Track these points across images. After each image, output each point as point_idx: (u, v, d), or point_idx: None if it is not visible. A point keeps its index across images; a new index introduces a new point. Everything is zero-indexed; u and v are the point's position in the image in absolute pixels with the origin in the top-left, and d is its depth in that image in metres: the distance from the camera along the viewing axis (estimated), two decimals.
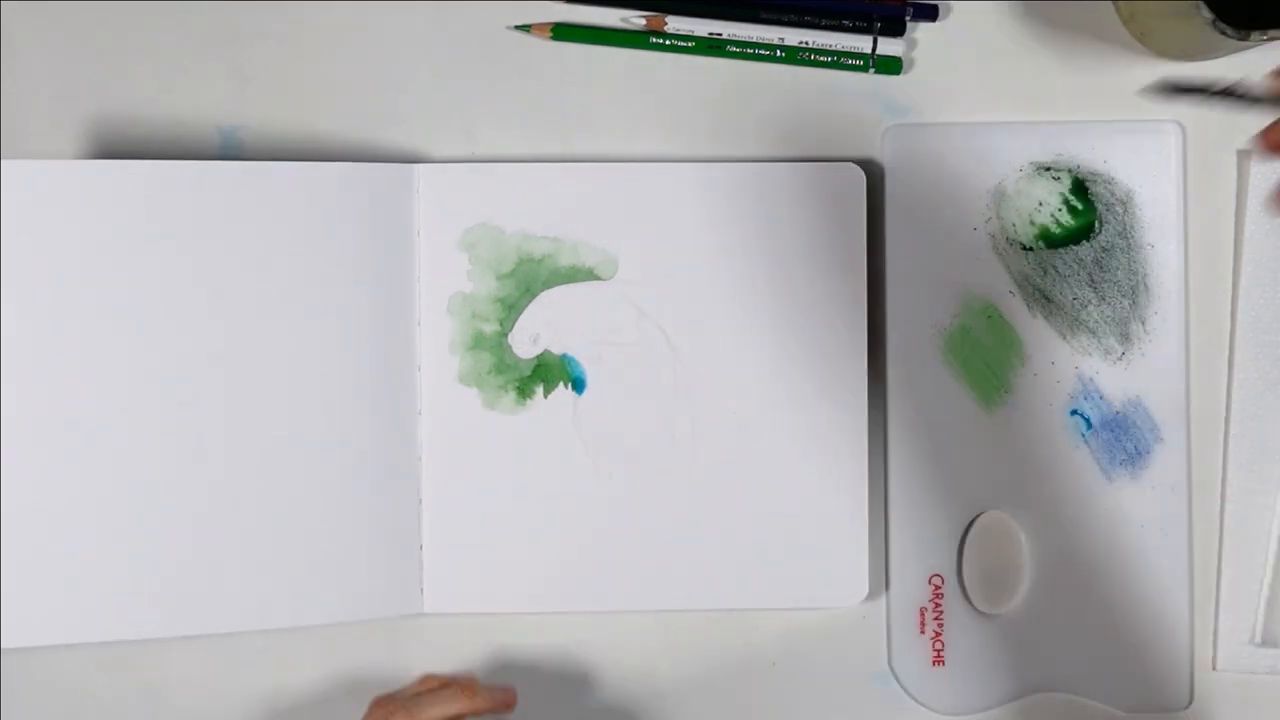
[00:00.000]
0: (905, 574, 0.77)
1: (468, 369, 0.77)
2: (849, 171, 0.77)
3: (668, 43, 0.78)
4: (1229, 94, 0.65)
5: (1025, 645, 0.78)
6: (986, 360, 0.78)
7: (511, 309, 0.77)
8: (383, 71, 0.79)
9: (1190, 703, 0.78)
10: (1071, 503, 0.78)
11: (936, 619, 0.77)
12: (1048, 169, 0.78)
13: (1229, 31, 0.69)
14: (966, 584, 0.78)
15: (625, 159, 0.78)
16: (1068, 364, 0.78)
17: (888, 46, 0.79)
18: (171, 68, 0.79)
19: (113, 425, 0.75)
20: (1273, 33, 0.69)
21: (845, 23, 0.78)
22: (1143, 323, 0.78)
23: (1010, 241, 0.78)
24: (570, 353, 0.77)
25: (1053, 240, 0.78)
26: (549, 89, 0.79)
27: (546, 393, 0.77)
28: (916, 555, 0.77)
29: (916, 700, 0.78)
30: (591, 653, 0.78)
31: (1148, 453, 0.78)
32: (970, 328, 0.78)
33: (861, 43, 0.78)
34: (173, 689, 0.78)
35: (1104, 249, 0.78)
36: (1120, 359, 0.78)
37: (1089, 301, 0.78)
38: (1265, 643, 0.78)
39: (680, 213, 0.77)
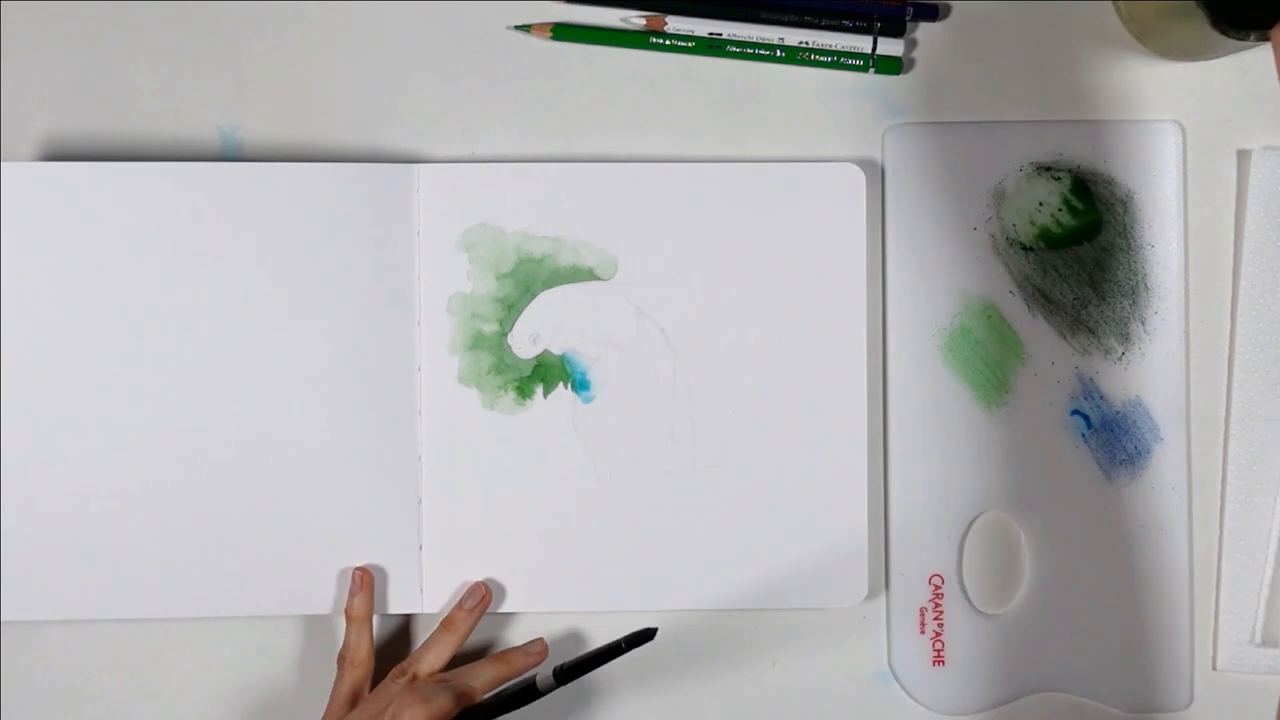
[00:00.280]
0: (905, 574, 0.77)
1: (467, 369, 0.77)
2: (849, 171, 0.77)
3: (668, 43, 0.78)
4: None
5: (1025, 645, 0.78)
6: (986, 360, 0.78)
7: (511, 309, 0.77)
8: (383, 71, 0.79)
9: (1190, 703, 0.78)
10: (1071, 503, 0.78)
11: (936, 619, 0.77)
12: (1048, 169, 0.78)
13: (1229, 31, 0.69)
14: (966, 584, 0.78)
15: (625, 159, 0.78)
16: (1068, 364, 0.78)
17: (888, 46, 0.79)
18: (171, 68, 0.79)
19: (112, 426, 0.75)
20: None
21: (845, 23, 0.78)
22: (1143, 323, 0.78)
23: (1010, 241, 0.78)
24: (570, 353, 0.77)
25: (1053, 240, 0.78)
26: (549, 89, 0.79)
27: (546, 393, 0.77)
28: (916, 555, 0.77)
29: (916, 700, 0.78)
30: None
31: (1148, 453, 0.78)
32: (970, 328, 0.78)
33: (861, 43, 0.78)
34: (172, 686, 0.78)
35: (1104, 249, 0.78)
36: (1120, 359, 0.78)
37: (1089, 301, 0.78)
38: (1265, 643, 0.78)
39: (680, 213, 0.77)
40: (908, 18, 0.78)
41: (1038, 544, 0.78)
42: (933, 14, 0.79)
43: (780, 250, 0.77)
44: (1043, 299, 0.78)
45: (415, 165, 0.77)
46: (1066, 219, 0.78)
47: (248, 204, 0.76)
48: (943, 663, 0.77)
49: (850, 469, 0.77)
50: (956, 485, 0.78)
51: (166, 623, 0.78)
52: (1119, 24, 0.79)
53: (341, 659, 0.75)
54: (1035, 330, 0.78)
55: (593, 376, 0.77)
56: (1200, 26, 0.70)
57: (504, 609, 0.77)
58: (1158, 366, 0.78)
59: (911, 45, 0.79)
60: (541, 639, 0.76)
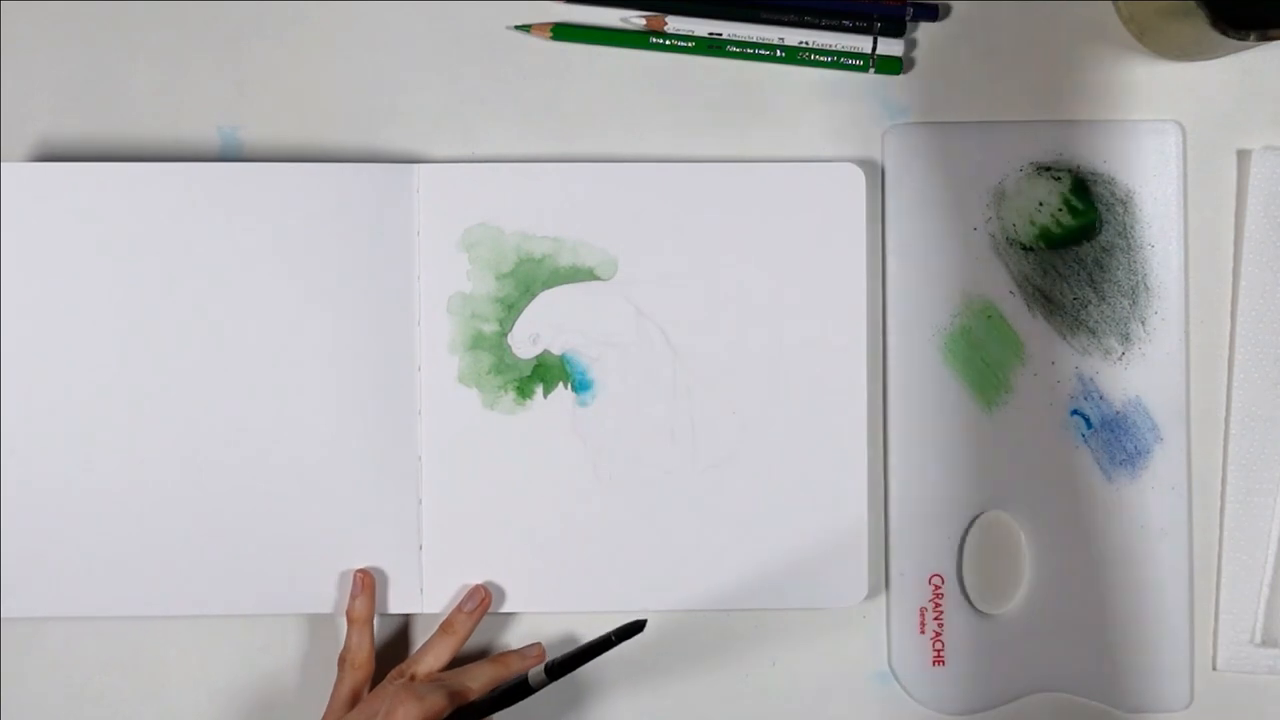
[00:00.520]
0: (905, 574, 0.77)
1: (467, 369, 0.77)
2: (849, 171, 0.77)
3: (668, 43, 0.78)
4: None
5: (1025, 645, 0.78)
6: (986, 360, 0.78)
7: (511, 309, 0.77)
8: (383, 71, 0.79)
9: (1190, 703, 0.78)
10: (1071, 503, 0.78)
11: (936, 619, 0.77)
12: (1048, 169, 0.78)
13: (1229, 31, 0.69)
14: (966, 584, 0.78)
15: (625, 159, 0.78)
16: (1068, 364, 0.78)
17: (888, 46, 0.79)
18: (171, 68, 0.79)
19: (111, 424, 0.75)
20: (1273, 33, 0.69)
21: (845, 23, 0.78)
22: (1143, 323, 0.78)
23: (1010, 241, 0.78)
24: (570, 353, 0.77)
25: (1053, 240, 0.78)
26: (549, 89, 0.79)
27: (546, 393, 0.77)
28: (916, 555, 0.77)
29: (916, 700, 0.78)
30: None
31: (1148, 453, 0.78)
32: (970, 328, 0.78)
33: (861, 43, 0.78)
34: (172, 685, 0.78)
35: (1104, 249, 0.78)
36: (1120, 359, 0.78)
37: (1089, 301, 0.78)
38: (1265, 643, 0.78)
39: (680, 213, 0.77)
40: (908, 18, 0.78)
41: (1038, 544, 0.78)
42: (933, 14, 0.79)
43: (780, 250, 0.77)
44: (1043, 299, 0.78)
45: (415, 165, 0.77)
46: (1066, 219, 0.78)
47: (248, 204, 0.76)
48: (943, 663, 0.77)
49: (850, 469, 0.77)
50: (956, 485, 0.78)
51: (167, 622, 0.78)
52: (1119, 24, 0.79)
53: (342, 660, 0.75)
54: (1035, 330, 0.78)
55: (593, 376, 0.77)
56: (1200, 26, 0.70)
57: (503, 609, 0.77)
58: (1158, 366, 0.78)
59: (911, 45, 0.79)
60: (539, 643, 0.77)
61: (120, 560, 0.76)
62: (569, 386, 0.77)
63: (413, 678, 0.74)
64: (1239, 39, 0.70)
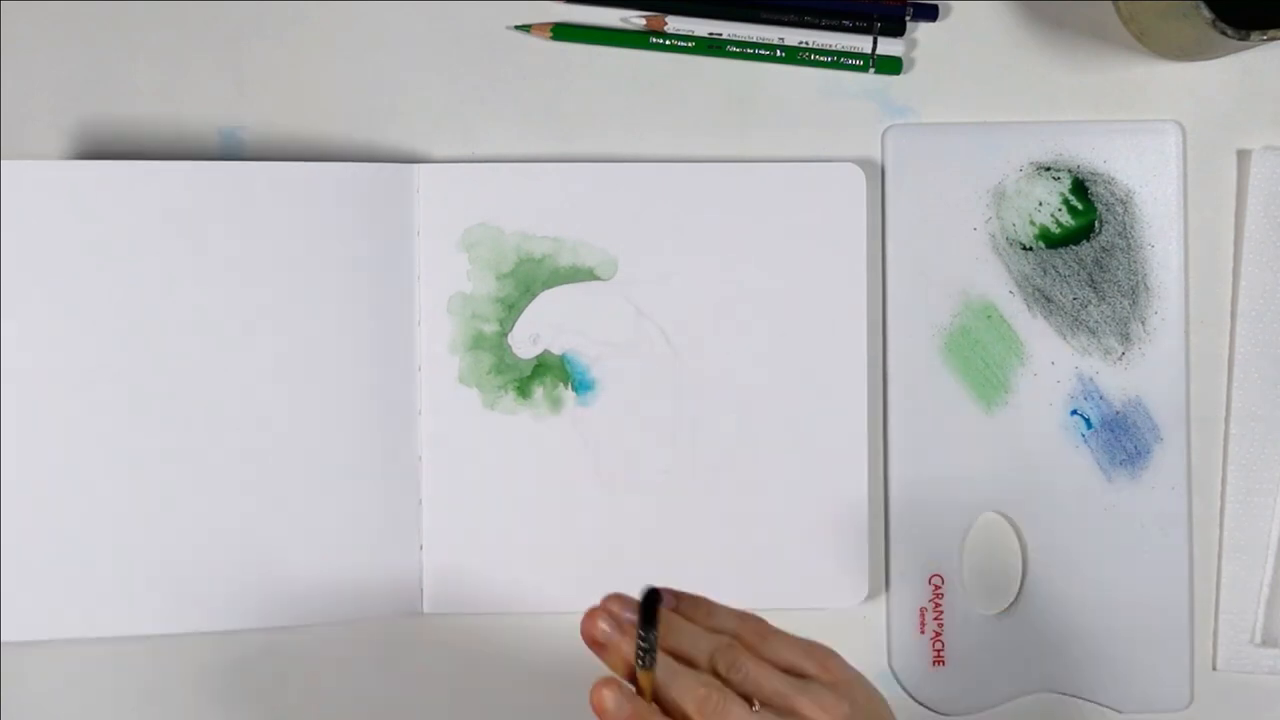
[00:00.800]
0: (905, 574, 0.77)
1: (468, 369, 0.77)
2: (849, 171, 0.77)
3: (668, 43, 0.78)
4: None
5: (1025, 645, 0.78)
6: (986, 360, 0.78)
7: (511, 309, 0.77)
8: (383, 71, 0.79)
9: (1190, 703, 0.78)
10: (1071, 503, 0.78)
11: (936, 619, 0.77)
12: (1048, 169, 0.78)
13: (1229, 31, 0.69)
14: (966, 584, 0.78)
15: (625, 159, 0.78)
16: (1068, 364, 0.78)
17: (888, 46, 0.79)
18: (171, 68, 0.79)
19: (111, 425, 0.75)
20: (1273, 33, 0.69)
21: (845, 23, 0.78)
22: (1143, 323, 0.78)
23: (1010, 241, 0.78)
24: (570, 353, 0.77)
25: (1053, 240, 0.78)
26: (549, 89, 0.79)
27: (547, 393, 0.77)
28: (916, 555, 0.77)
29: (916, 700, 0.78)
30: (592, 653, 0.78)
31: (1148, 453, 0.78)
32: (970, 328, 0.78)
33: (861, 43, 0.78)
34: (172, 689, 0.78)
35: (1104, 249, 0.78)
36: (1120, 359, 0.78)
37: (1089, 301, 0.78)
38: (1265, 643, 0.78)
39: (680, 213, 0.77)
40: (908, 18, 0.78)
41: (1038, 544, 0.78)
42: (933, 14, 0.79)
43: (780, 250, 0.77)
44: (1043, 299, 0.78)
45: (415, 165, 0.77)
46: (1066, 219, 0.78)
47: (248, 204, 0.76)
48: (943, 663, 0.77)
49: (850, 469, 0.77)
50: (956, 485, 0.78)
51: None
52: (1119, 24, 0.79)
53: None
54: (1035, 330, 0.78)
55: (593, 376, 0.77)
56: (1200, 26, 0.70)
57: (504, 609, 0.77)
58: (1158, 366, 0.78)
59: (911, 45, 0.79)
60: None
61: (117, 574, 0.74)
62: (569, 386, 0.77)
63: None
64: (1239, 39, 0.70)
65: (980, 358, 0.78)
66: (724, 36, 0.78)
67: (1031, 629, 0.77)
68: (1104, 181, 0.78)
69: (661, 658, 0.60)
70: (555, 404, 0.77)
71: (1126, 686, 0.77)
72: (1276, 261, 0.78)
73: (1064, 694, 0.78)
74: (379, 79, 0.79)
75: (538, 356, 0.77)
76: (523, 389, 0.77)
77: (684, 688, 0.59)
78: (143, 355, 0.76)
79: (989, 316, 0.78)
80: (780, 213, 0.77)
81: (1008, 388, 0.78)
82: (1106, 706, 0.78)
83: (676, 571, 0.77)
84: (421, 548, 0.77)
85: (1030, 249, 0.78)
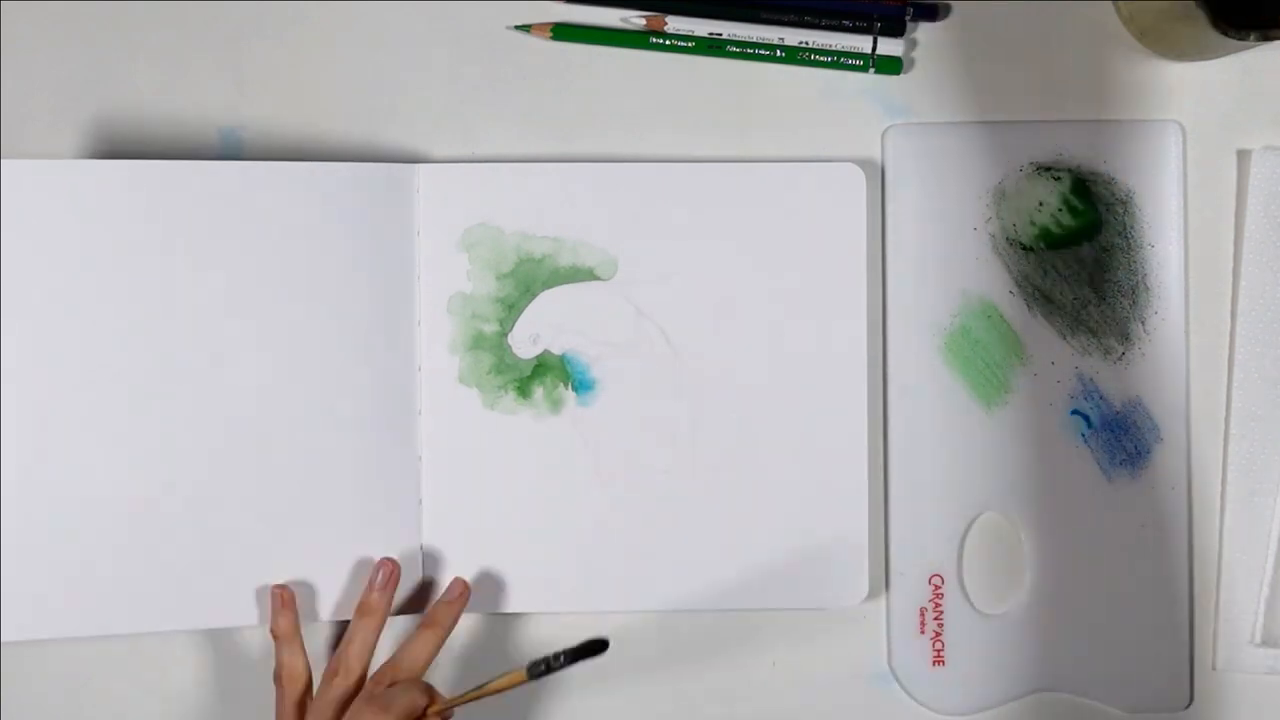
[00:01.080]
0: (905, 574, 0.77)
1: (468, 369, 0.77)
2: (849, 171, 0.77)
3: (668, 43, 0.78)
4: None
5: (1025, 645, 0.78)
6: (986, 360, 0.78)
7: (511, 309, 0.77)
8: (383, 71, 0.79)
9: (1190, 703, 0.78)
10: (1071, 503, 0.78)
11: (936, 619, 0.77)
12: (1048, 169, 0.78)
13: (1229, 31, 0.69)
14: (966, 584, 0.78)
15: (625, 159, 0.78)
16: (1068, 364, 0.78)
17: (888, 46, 0.79)
18: (171, 68, 0.79)
19: (111, 425, 0.75)
20: (1272, 33, 0.69)
21: (845, 23, 0.78)
22: (1143, 323, 0.78)
23: (1010, 241, 0.78)
24: (570, 353, 0.77)
25: (1053, 240, 0.78)
26: (549, 89, 0.79)
27: (547, 393, 0.77)
28: (916, 555, 0.77)
29: (916, 700, 0.78)
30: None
31: (1148, 453, 0.78)
32: (970, 328, 0.78)
33: (861, 43, 0.78)
34: (174, 687, 0.78)
35: (1104, 249, 0.78)
36: (1120, 359, 0.78)
37: (1089, 301, 0.78)
38: (1265, 643, 0.78)
39: (680, 213, 0.77)
40: (908, 18, 0.78)
41: (1038, 544, 0.78)
42: (933, 14, 0.79)
43: (780, 250, 0.77)
44: (1043, 299, 0.78)
45: (415, 165, 0.77)
46: (1066, 219, 0.78)
47: (248, 204, 0.76)
48: (943, 663, 0.77)
49: (850, 469, 0.77)
50: (956, 485, 0.78)
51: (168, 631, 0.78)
52: (1119, 24, 0.79)
53: (277, 677, 0.74)
54: (1035, 330, 0.78)
55: (593, 376, 0.77)
56: (1200, 26, 0.70)
57: (504, 609, 0.77)
58: (1158, 366, 0.78)
59: (911, 45, 0.79)
60: (458, 579, 0.76)
61: (117, 571, 0.74)
62: (569, 386, 0.77)
63: (395, 680, 0.72)
64: (1239, 39, 0.70)
65: (980, 357, 0.78)
66: (724, 36, 0.78)
67: (1031, 629, 0.77)
68: (1104, 181, 0.78)
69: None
70: (555, 404, 0.77)
71: (1126, 686, 0.77)
72: (1276, 261, 0.78)
73: (1064, 694, 0.78)
74: (379, 79, 0.79)
75: (538, 356, 0.77)
76: (523, 389, 0.77)
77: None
78: (142, 355, 0.75)
79: (989, 316, 0.78)
80: (780, 213, 0.77)
81: (1008, 387, 0.78)
82: (1107, 706, 0.78)
83: (676, 571, 0.77)
84: (421, 548, 0.77)
85: (1030, 249, 0.78)
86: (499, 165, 0.77)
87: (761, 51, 0.78)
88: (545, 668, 0.67)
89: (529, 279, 0.77)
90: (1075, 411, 0.78)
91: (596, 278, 0.77)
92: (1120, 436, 0.77)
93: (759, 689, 0.78)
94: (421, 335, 0.77)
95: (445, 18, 0.79)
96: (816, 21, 0.78)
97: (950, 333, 0.78)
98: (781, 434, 0.77)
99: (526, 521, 0.77)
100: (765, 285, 0.77)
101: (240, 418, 0.76)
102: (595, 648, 0.67)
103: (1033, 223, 0.78)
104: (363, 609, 0.74)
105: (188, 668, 0.78)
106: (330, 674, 0.73)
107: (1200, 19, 0.69)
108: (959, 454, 0.77)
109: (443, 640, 0.74)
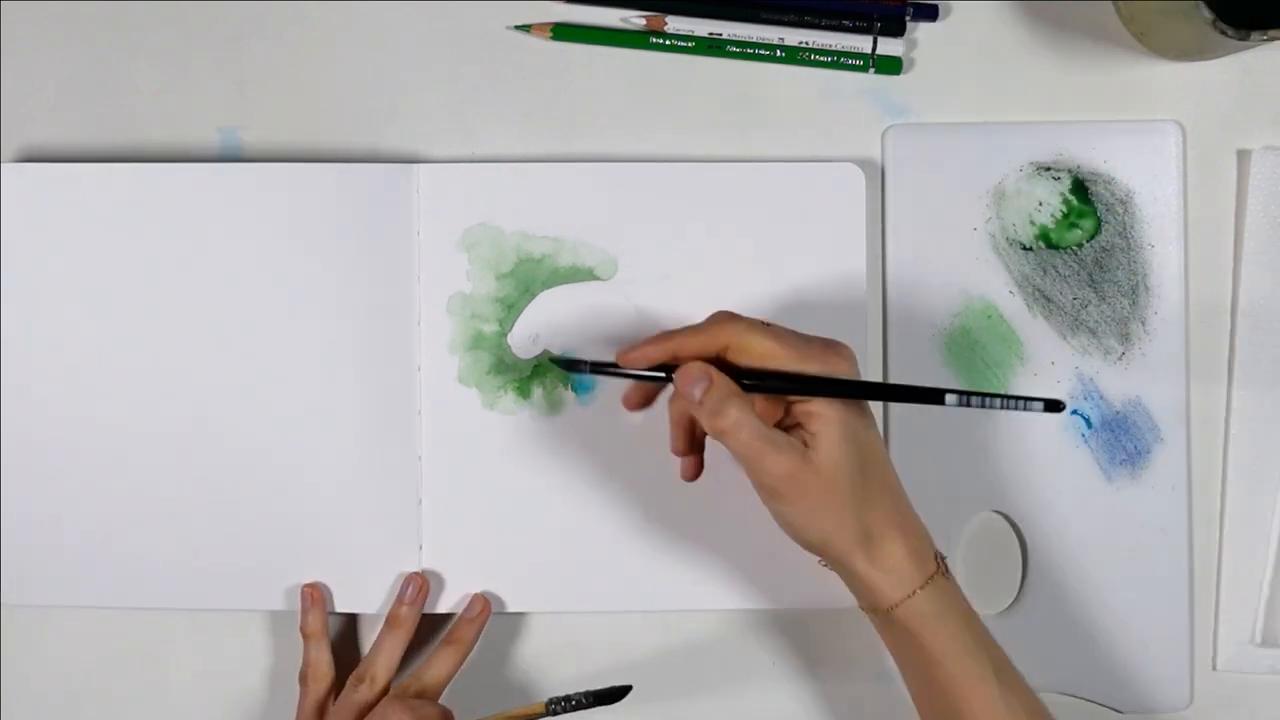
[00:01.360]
0: None
1: (467, 369, 0.77)
2: (849, 171, 0.77)
3: (668, 43, 0.78)
4: (602, 368, 0.68)
5: (1025, 645, 0.77)
6: (986, 360, 0.78)
7: (511, 309, 0.77)
8: (383, 71, 0.79)
9: (1190, 703, 0.78)
10: (1071, 503, 0.78)
11: None
12: (1048, 169, 0.78)
13: (1229, 31, 0.69)
14: (966, 584, 0.78)
15: (625, 159, 0.78)
16: (1068, 364, 0.78)
17: (888, 46, 0.79)
18: (171, 68, 0.79)
19: (111, 427, 0.75)
20: (1273, 33, 0.69)
21: (845, 23, 0.78)
22: (1143, 323, 0.78)
23: (1010, 241, 0.78)
24: (570, 353, 0.77)
25: (1052, 240, 0.78)
26: (549, 89, 0.79)
27: (546, 393, 0.77)
28: None
29: None
30: (592, 653, 0.78)
31: (1148, 453, 0.78)
32: (970, 328, 0.78)
33: (861, 43, 0.78)
34: (173, 685, 0.78)
35: (1104, 249, 0.78)
36: (1120, 359, 0.78)
37: (1089, 301, 0.78)
38: (1265, 643, 0.78)
39: (680, 213, 0.77)
40: (908, 18, 0.78)
41: (1038, 544, 0.78)
42: (933, 14, 0.79)
43: (780, 250, 0.77)
44: (1043, 299, 0.78)
45: (415, 165, 0.77)
46: (1066, 219, 0.78)
47: (248, 204, 0.76)
48: None
49: None
50: (956, 485, 0.78)
51: (166, 616, 0.78)
52: (1119, 24, 0.79)
53: (303, 676, 0.75)
54: (1035, 330, 0.78)
55: (593, 377, 0.77)
56: (1200, 26, 0.70)
57: (504, 609, 0.77)
58: (1158, 366, 0.78)
59: (911, 45, 0.79)
60: (478, 595, 0.76)
61: (122, 555, 0.76)
62: (569, 386, 0.77)
63: (419, 693, 0.73)
64: (1239, 39, 0.70)
65: (980, 358, 0.78)
66: (724, 36, 0.78)
67: (1031, 629, 0.77)
68: (1104, 181, 0.78)
69: None
70: (555, 404, 0.77)
71: (1126, 686, 0.77)
72: (1277, 261, 0.78)
73: (1064, 694, 0.78)
74: (379, 79, 0.79)
75: (537, 356, 0.77)
76: (522, 389, 0.77)
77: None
78: (142, 355, 0.76)
79: (989, 316, 0.78)
80: (780, 212, 0.77)
81: (1007, 388, 0.78)
82: (1106, 706, 0.78)
83: (676, 571, 0.77)
84: (421, 548, 0.77)
85: (1030, 249, 0.78)
86: (499, 165, 0.77)
87: (761, 51, 0.78)
88: (565, 705, 0.71)
89: (529, 279, 0.77)
90: (1075, 411, 0.78)
91: (596, 278, 0.77)
92: (1120, 436, 0.77)
93: (759, 689, 0.78)
94: (421, 335, 0.77)
95: (445, 18, 0.79)
96: (816, 21, 0.78)
97: (950, 333, 0.78)
98: None
99: (526, 521, 0.77)
100: (765, 285, 0.77)
101: (239, 417, 0.76)
102: (618, 693, 0.71)
103: (1033, 223, 0.78)
104: (391, 621, 0.75)
105: (188, 668, 0.78)
106: (356, 680, 0.74)
107: (1200, 19, 0.69)
108: (959, 454, 0.77)
109: (464, 657, 0.75)
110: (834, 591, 0.77)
